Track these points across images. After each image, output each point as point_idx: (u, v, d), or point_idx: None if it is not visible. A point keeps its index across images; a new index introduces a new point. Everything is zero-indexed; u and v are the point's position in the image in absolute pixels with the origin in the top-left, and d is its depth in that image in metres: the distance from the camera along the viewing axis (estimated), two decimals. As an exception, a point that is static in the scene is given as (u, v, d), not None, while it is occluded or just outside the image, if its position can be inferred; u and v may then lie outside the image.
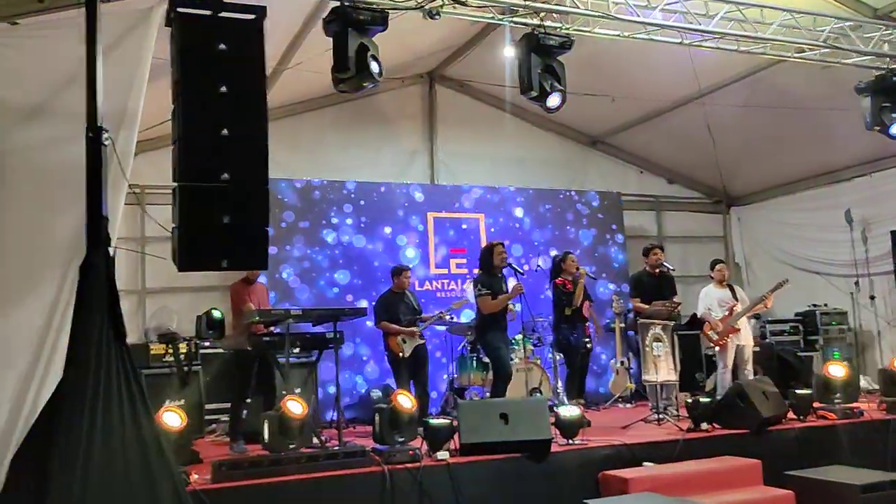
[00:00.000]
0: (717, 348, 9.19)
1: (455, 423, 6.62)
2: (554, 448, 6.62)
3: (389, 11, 6.30)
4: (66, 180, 4.90)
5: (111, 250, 4.58)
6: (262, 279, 8.32)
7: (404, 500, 5.94)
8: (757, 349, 9.46)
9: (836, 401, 8.06)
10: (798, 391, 8.10)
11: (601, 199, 12.41)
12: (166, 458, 4.49)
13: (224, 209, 4.76)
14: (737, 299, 9.19)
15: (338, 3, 6.15)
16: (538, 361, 9.96)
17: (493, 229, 11.54)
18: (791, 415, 7.86)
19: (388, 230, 11.02)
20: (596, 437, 7.07)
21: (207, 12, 4.91)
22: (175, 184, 4.80)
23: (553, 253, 11.46)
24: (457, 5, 6.66)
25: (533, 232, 11.84)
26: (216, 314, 7.77)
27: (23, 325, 4.92)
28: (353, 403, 10.08)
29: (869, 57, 8.23)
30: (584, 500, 6.01)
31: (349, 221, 10.81)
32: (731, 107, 10.40)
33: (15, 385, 4.83)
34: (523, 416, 6.64)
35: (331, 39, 6.32)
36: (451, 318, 9.64)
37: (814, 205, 12.16)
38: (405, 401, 6.56)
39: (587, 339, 9.82)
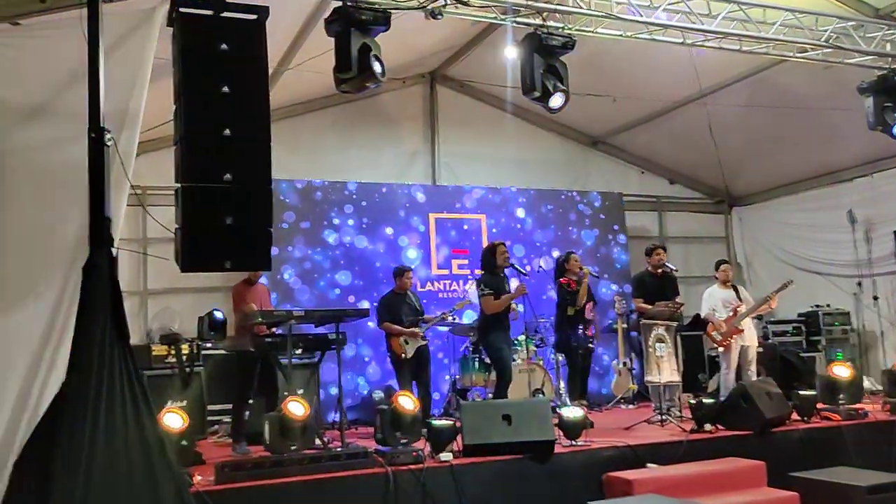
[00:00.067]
0: (720, 349, 9.16)
1: (458, 424, 6.60)
2: (557, 449, 6.60)
3: (392, 11, 6.27)
4: (68, 181, 4.89)
5: (114, 251, 4.56)
6: (263, 280, 8.30)
7: (407, 501, 5.92)
8: (760, 350, 9.43)
9: (841, 402, 8.03)
10: (802, 392, 8.08)
11: (603, 200, 12.39)
12: (169, 460, 4.47)
13: (227, 210, 4.75)
14: (741, 300, 9.16)
15: (340, 3, 6.12)
16: (541, 362, 9.94)
17: (494, 230, 11.52)
18: (795, 416, 7.85)
19: (389, 231, 11.01)
20: (599, 439, 7.04)
21: (209, 12, 4.90)
22: (178, 185, 4.79)
23: (555, 253, 11.47)
24: (459, 5, 6.64)
25: (535, 232, 11.82)
26: (218, 315, 7.75)
27: (25, 326, 4.91)
28: (355, 405, 10.06)
29: (871, 57, 8.20)
30: (588, 502, 5.99)
31: (350, 222, 10.80)
32: (733, 107, 10.38)
33: (17, 386, 4.82)
34: (526, 417, 6.63)
35: (331, 40, 6.29)
36: (454, 319, 9.62)
37: (816, 205, 12.14)
38: (407, 402, 6.54)
39: (589, 340, 9.81)
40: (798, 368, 10.53)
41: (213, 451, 7.42)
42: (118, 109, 5.09)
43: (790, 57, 8.19)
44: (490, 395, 9.00)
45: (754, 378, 8.82)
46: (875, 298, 10.98)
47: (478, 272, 9.42)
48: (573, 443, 6.84)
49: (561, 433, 6.84)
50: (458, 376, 9.90)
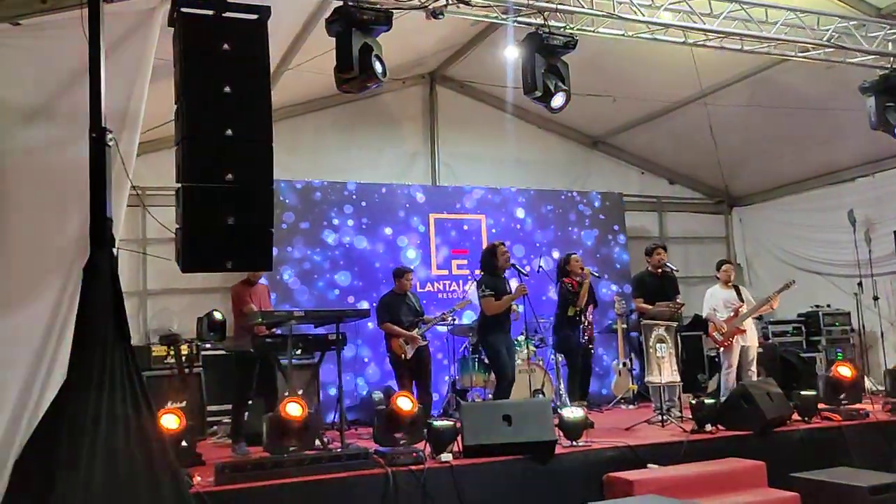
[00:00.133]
0: (721, 349, 9.16)
1: (458, 424, 6.59)
2: (558, 450, 6.60)
3: (393, 11, 6.26)
4: (68, 181, 4.88)
5: (114, 251, 4.55)
6: (263, 281, 8.28)
7: (408, 502, 5.91)
8: (760, 350, 9.43)
9: (843, 402, 8.03)
10: (803, 392, 8.08)
11: (603, 200, 12.38)
12: (170, 461, 4.47)
13: (228, 210, 4.75)
14: (742, 300, 9.16)
15: (341, 3, 6.10)
16: (540, 363, 9.93)
17: (494, 230, 11.51)
18: (796, 416, 7.85)
19: (388, 231, 10.99)
20: (600, 439, 7.03)
21: (210, 12, 4.89)
22: (178, 184, 4.78)
23: (556, 254, 11.48)
24: (461, 5, 6.62)
25: (535, 233, 11.80)
26: (217, 316, 7.74)
27: (26, 326, 4.89)
28: (355, 405, 10.04)
29: (873, 56, 8.19)
30: (589, 503, 5.99)
31: (350, 223, 10.78)
32: (734, 107, 10.38)
33: (18, 386, 4.80)
34: (527, 417, 6.62)
35: (331, 40, 6.27)
36: (454, 320, 9.61)
37: (816, 205, 12.13)
38: (405, 403, 6.54)
39: (589, 341, 9.80)
40: (798, 369, 10.53)
41: (212, 452, 7.40)
42: (118, 110, 5.08)
43: (792, 57, 8.17)
44: (490, 396, 9.00)
45: (755, 378, 8.82)
46: (875, 299, 10.96)
47: (478, 272, 9.41)
48: (574, 443, 6.83)
49: (561, 434, 6.83)
50: (457, 377, 9.89)
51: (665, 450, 6.96)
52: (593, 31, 7.37)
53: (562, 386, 9.56)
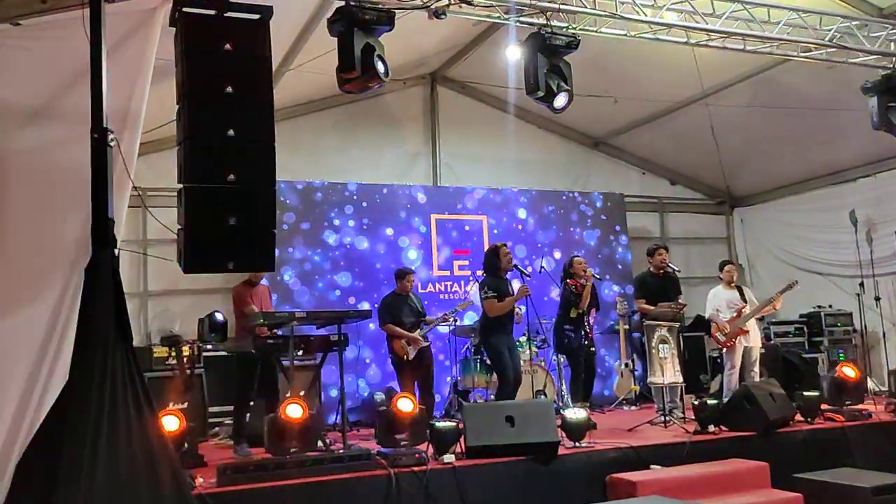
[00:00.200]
0: (724, 349, 9.14)
1: (461, 425, 6.57)
2: (560, 451, 6.58)
3: (395, 11, 6.24)
4: (70, 181, 4.85)
5: (115, 252, 4.53)
6: (264, 281, 8.26)
7: (410, 503, 5.88)
8: (762, 351, 9.41)
9: (847, 403, 8.02)
10: (805, 393, 8.06)
11: (604, 200, 12.36)
12: (172, 462, 4.45)
13: (230, 210, 4.72)
14: (745, 301, 9.15)
15: (343, 3, 6.09)
16: (542, 363, 9.92)
17: (496, 231, 11.49)
18: (798, 417, 7.83)
19: (389, 232, 10.97)
20: (602, 440, 7.02)
21: (212, 12, 4.87)
22: (180, 185, 4.76)
23: (557, 254, 11.49)
24: (463, 5, 6.60)
25: (537, 233, 11.79)
26: (218, 317, 7.71)
27: (27, 326, 4.88)
28: (356, 406, 10.01)
29: (875, 56, 8.18)
30: (592, 504, 5.99)
31: (351, 223, 10.76)
32: (735, 107, 10.36)
33: (19, 387, 4.79)
34: (529, 418, 6.61)
35: (332, 41, 6.25)
36: (455, 321, 9.59)
37: (818, 205, 12.11)
38: (405, 405, 6.53)
39: (590, 343, 9.78)
40: (800, 369, 10.50)
41: (214, 453, 7.40)
42: (120, 110, 5.07)
43: (794, 56, 8.16)
44: (492, 397, 8.98)
45: (758, 379, 8.80)
46: (877, 299, 10.93)
47: (479, 273, 9.40)
48: (576, 444, 6.82)
49: (564, 435, 6.82)
50: (459, 378, 9.87)
51: (668, 451, 6.95)
52: (596, 31, 7.35)
53: (563, 387, 9.55)
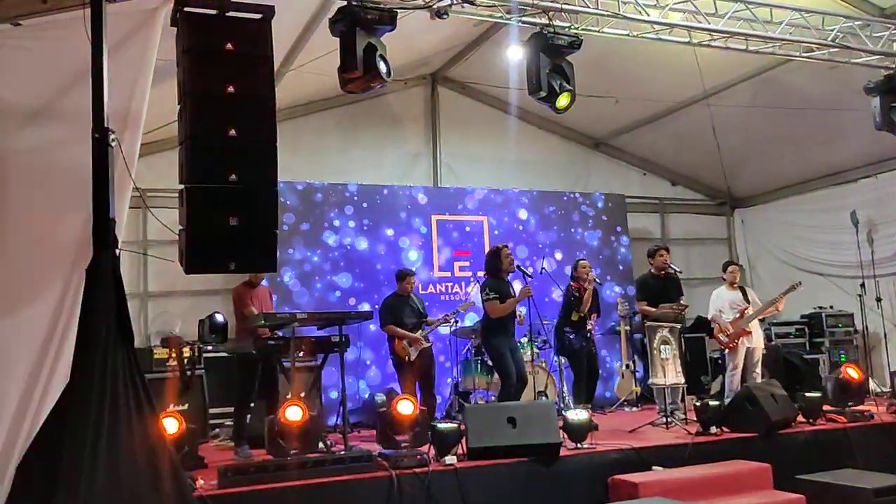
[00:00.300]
0: (726, 350, 9.13)
1: (462, 427, 6.56)
2: (562, 452, 6.57)
3: (397, 11, 6.22)
4: (70, 181, 4.84)
5: (117, 252, 4.52)
6: (263, 282, 8.24)
7: (412, 505, 5.88)
8: (763, 351, 9.39)
9: (850, 404, 8.01)
10: (808, 394, 8.05)
11: (606, 201, 12.34)
12: (173, 463, 4.43)
13: (231, 211, 4.71)
14: (748, 301, 9.14)
15: (345, 3, 6.07)
16: (544, 364, 9.90)
17: (496, 231, 11.47)
18: (800, 418, 7.82)
19: (390, 232, 10.95)
20: (604, 441, 7.01)
21: (214, 12, 4.86)
22: (181, 185, 4.75)
23: (559, 255, 11.48)
24: (465, 5, 6.58)
25: (538, 234, 11.76)
26: (219, 318, 7.70)
27: (28, 327, 4.86)
28: (357, 408, 9.98)
29: (877, 56, 8.16)
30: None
31: (351, 224, 10.74)
32: (736, 107, 10.35)
33: (20, 388, 4.78)
34: (531, 419, 6.60)
35: (333, 41, 6.23)
36: (456, 322, 9.57)
37: (819, 206, 12.09)
38: (405, 407, 6.51)
39: (592, 344, 9.76)
40: (801, 370, 10.48)
41: (214, 455, 7.38)
42: (120, 110, 5.05)
43: (797, 57, 8.14)
44: (493, 398, 8.96)
45: (759, 380, 8.79)
46: (878, 300, 10.91)
47: (480, 274, 9.39)
48: (578, 445, 6.81)
49: (566, 436, 6.80)
50: (460, 379, 9.85)
51: (670, 452, 6.94)
52: (598, 31, 7.34)
53: (565, 388, 9.53)
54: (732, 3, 7.42)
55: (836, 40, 7.93)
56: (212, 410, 8.68)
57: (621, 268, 12.18)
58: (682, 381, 8.45)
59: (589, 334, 9.64)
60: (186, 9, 4.80)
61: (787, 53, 8.14)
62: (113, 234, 4.47)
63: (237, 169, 4.74)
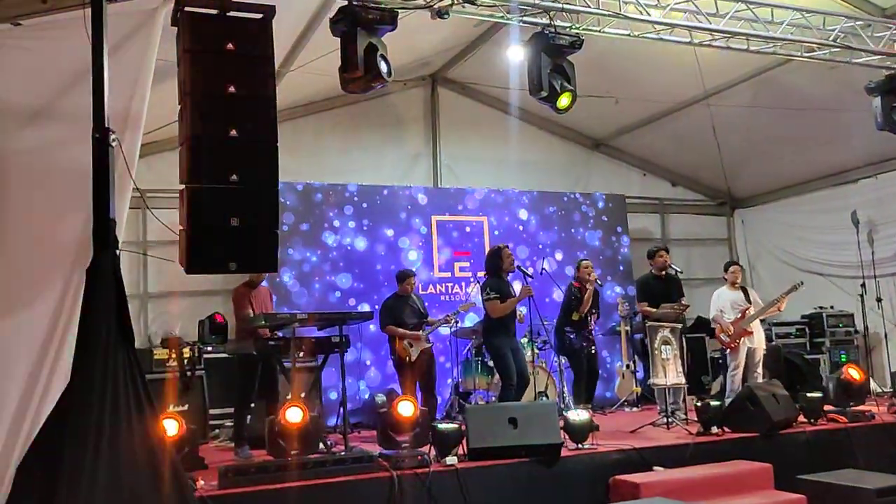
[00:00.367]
0: (727, 350, 9.12)
1: (463, 427, 6.55)
2: (563, 452, 6.56)
3: (398, 11, 6.21)
4: (70, 182, 4.83)
5: (117, 252, 4.51)
6: (263, 283, 8.22)
7: (413, 506, 5.87)
8: (764, 351, 9.38)
9: (851, 404, 8.00)
10: (809, 394, 8.04)
11: (606, 201, 12.33)
12: (174, 464, 4.42)
13: (232, 211, 4.70)
14: (750, 302, 9.13)
15: (345, 3, 6.06)
16: (544, 365, 9.89)
17: (496, 232, 11.46)
18: (801, 418, 7.82)
19: (390, 233, 10.93)
20: (605, 442, 7.00)
21: (215, 11, 4.85)
22: (182, 186, 4.74)
23: (559, 256, 11.48)
24: (466, 4, 6.57)
25: (538, 234, 11.75)
26: (219, 319, 7.69)
27: (28, 327, 4.85)
28: (357, 408, 9.97)
29: (878, 57, 8.15)
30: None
31: (351, 224, 10.72)
32: (737, 107, 10.34)
33: (20, 389, 4.76)
34: (532, 420, 6.58)
35: (333, 41, 6.22)
36: (457, 322, 9.56)
37: (819, 207, 12.08)
38: (405, 408, 6.50)
39: (592, 344, 9.76)
40: (802, 370, 10.48)
41: (214, 455, 7.35)
42: (121, 110, 5.04)
43: (798, 57, 8.13)
44: (493, 399, 8.95)
45: (761, 380, 8.78)
46: (879, 300, 10.90)
47: (480, 275, 9.38)
48: (579, 446, 6.79)
49: (567, 436, 6.79)
50: (460, 379, 9.84)
51: (671, 452, 6.94)
52: (599, 31, 7.32)
53: (565, 388, 9.52)
54: (733, 2, 7.41)
55: (838, 40, 7.91)
56: (212, 411, 8.69)
57: (622, 268, 12.17)
58: (683, 381, 8.44)
59: (590, 335, 9.65)
60: (187, 9, 4.78)
61: (789, 53, 8.12)
62: (113, 235, 4.46)
63: (238, 169, 4.73)
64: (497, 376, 8.85)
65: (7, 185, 5.06)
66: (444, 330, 9.77)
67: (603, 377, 11.09)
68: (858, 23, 7.97)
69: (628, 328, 10.61)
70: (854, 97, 8.62)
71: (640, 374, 10.35)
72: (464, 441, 6.45)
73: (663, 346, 8.31)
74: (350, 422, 8.89)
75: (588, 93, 8.96)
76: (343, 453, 6.62)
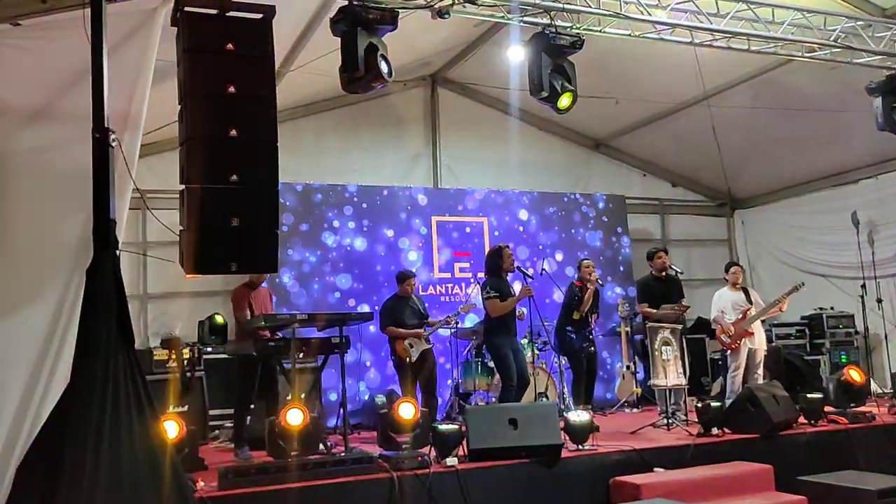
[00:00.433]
0: (728, 351, 9.11)
1: (463, 428, 6.54)
2: (564, 453, 6.55)
3: (399, 11, 6.20)
4: (70, 182, 4.82)
5: (117, 253, 4.50)
6: (263, 284, 8.21)
7: (413, 506, 5.86)
8: (765, 352, 9.38)
9: (851, 405, 8.00)
10: (809, 395, 8.04)
11: (607, 202, 12.33)
12: (174, 465, 4.41)
13: (233, 211, 4.69)
14: (751, 302, 9.11)
15: (346, 3, 6.05)
16: (544, 366, 9.88)
17: (497, 232, 11.45)
18: (801, 419, 7.81)
19: (390, 233, 10.92)
20: (605, 443, 6.99)
21: (214, 11, 4.84)
22: (182, 186, 4.73)
23: (559, 256, 11.47)
24: (467, 4, 6.56)
25: (538, 234, 11.74)
26: (218, 319, 7.68)
27: (28, 327, 4.85)
28: (357, 409, 9.96)
29: (879, 57, 8.15)
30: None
31: (351, 225, 10.71)
32: (737, 108, 10.34)
33: (20, 389, 4.76)
34: (532, 421, 6.56)
35: (333, 42, 6.22)
36: (457, 323, 9.55)
37: (819, 207, 12.09)
38: (406, 410, 6.49)
39: (592, 344, 9.75)
40: (802, 371, 10.48)
41: (214, 456, 7.34)
42: (120, 110, 5.03)
43: (798, 57, 8.12)
44: (493, 400, 8.94)
45: (761, 381, 8.77)
46: (879, 301, 10.90)
47: (480, 275, 9.37)
48: (580, 447, 6.77)
49: (567, 437, 6.78)
50: (460, 380, 9.83)
51: (671, 453, 6.92)
52: (600, 31, 7.32)
53: (565, 389, 9.51)
54: (734, 3, 7.41)
55: (838, 40, 7.91)
56: (212, 412, 8.67)
57: (622, 269, 12.16)
58: (684, 382, 8.43)
59: (590, 334, 9.64)
60: (187, 9, 4.78)
61: (789, 53, 8.12)
62: (113, 235, 4.45)
63: (238, 169, 4.73)
64: (497, 377, 8.84)
65: (7, 185, 5.05)
66: (445, 331, 9.77)
67: (603, 378, 11.10)
68: (859, 23, 7.97)
69: (628, 329, 10.59)
70: (855, 97, 8.62)
71: (640, 375, 10.34)
72: (464, 442, 6.44)
73: (663, 347, 8.30)
74: (350, 423, 8.88)
75: (588, 93, 8.96)
76: (343, 454, 6.61)
